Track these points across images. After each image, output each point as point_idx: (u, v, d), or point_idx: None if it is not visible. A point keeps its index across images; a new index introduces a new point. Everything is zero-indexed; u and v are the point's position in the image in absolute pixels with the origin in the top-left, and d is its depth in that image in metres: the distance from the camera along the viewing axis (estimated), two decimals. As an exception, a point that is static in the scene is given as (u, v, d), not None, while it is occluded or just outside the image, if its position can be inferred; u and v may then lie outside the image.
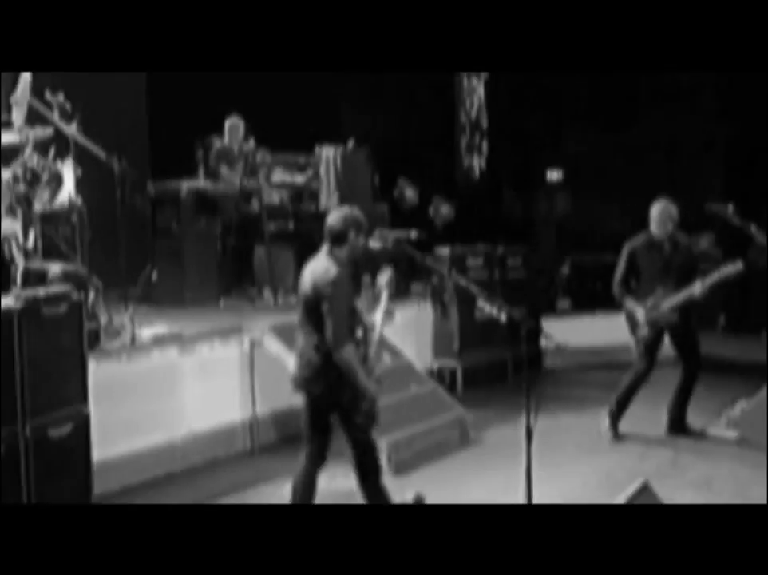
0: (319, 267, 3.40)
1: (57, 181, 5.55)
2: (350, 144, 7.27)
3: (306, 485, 3.59)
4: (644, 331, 5.40)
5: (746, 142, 9.14)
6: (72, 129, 5.31)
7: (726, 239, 7.30)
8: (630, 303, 5.45)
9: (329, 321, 3.38)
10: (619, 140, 9.04)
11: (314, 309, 3.43)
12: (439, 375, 6.33)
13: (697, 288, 5.26)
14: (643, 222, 5.47)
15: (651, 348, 5.46)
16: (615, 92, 9.05)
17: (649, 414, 5.78)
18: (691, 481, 4.82)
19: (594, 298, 7.86)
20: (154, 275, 6.52)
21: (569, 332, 7.04)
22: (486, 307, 3.53)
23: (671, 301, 5.38)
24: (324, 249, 3.46)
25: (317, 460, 3.57)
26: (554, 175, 9.34)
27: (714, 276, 5.34)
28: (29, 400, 3.84)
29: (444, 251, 6.73)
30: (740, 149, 9.31)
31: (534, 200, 9.50)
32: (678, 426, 5.59)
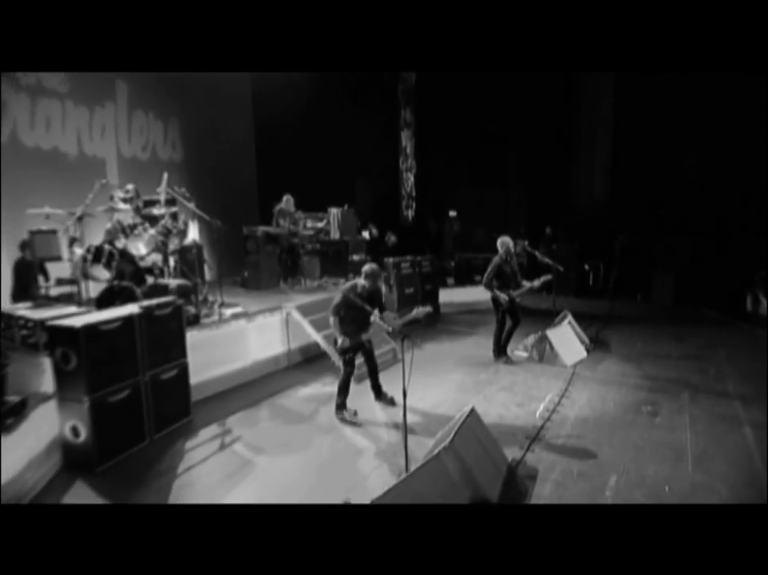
0: (351, 284, 5.23)
1: (182, 233, 7.30)
2: (346, 207, 9.94)
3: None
4: (505, 304, 6.79)
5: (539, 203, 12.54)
6: (191, 205, 7.23)
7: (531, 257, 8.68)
8: (497, 291, 6.81)
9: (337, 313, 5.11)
10: (485, 195, 12.73)
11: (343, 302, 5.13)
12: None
13: (534, 284, 6.93)
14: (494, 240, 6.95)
15: (509, 311, 6.90)
16: (486, 167, 12.59)
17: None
18: (501, 387, 6.06)
19: (465, 278, 10.96)
20: (246, 274, 9.12)
21: (453, 295, 10.19)
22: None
23: (519, 291, 6.90)
24: (358, 278, 5.26)
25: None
26: (452, 213, 12.80)
27: (541, 279, 6.99)
28: (148, 361, 4.84)
29: (389, 260, 9.22)
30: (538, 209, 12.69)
31: (442, 225, 12.95)
32: (499, 353, 7.16)
